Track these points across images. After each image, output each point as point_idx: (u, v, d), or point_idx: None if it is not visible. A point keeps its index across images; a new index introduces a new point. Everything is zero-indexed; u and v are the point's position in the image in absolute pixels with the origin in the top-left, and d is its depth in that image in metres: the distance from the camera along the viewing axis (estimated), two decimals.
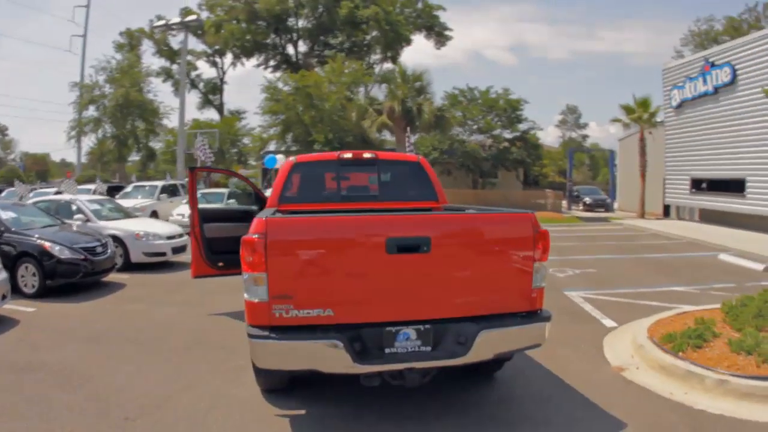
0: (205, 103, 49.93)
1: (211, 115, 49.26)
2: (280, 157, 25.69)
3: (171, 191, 21.40)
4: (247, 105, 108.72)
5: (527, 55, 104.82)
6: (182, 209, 18.26)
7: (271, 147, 32.57)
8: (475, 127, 35.58)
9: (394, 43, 39.22)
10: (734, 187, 18.57)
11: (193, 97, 46.72)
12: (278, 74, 40.03)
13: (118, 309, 8.25)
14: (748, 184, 18.08)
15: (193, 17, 29.04)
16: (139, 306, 8.41)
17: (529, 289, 4.26)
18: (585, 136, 79.85)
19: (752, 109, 17.59)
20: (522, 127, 36.75)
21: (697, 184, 21.86)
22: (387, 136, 32.95)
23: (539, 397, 5.00)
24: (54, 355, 5.99)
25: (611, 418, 4.52)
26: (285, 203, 6.14)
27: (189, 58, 42.30)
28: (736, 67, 18.26)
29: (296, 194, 6.30)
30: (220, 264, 8.03)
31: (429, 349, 4.01)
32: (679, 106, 22.40)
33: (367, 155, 6.64)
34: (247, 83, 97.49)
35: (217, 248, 8.02)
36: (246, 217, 8.45)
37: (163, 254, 11.78)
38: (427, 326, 4.01)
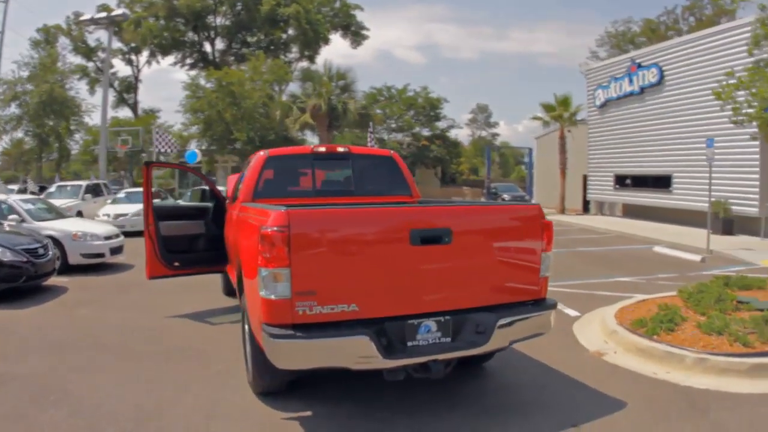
0: (120, 101, 48.65)
1: (126, 113, 48.28)
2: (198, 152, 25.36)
3: (95, 191, 20.88)
4: (158, 104, 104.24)
5: (437, 55, 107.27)
6: (108, 209, 17.93)
7: (192, 146, 31.90)
8: (394, 125, 36.45)
9: (312, 42, 39.36)
10: (661, 183, 19.90)
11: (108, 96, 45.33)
12: (194, 72, 40.48)
13: (69, 314, 7.75)
14: (674, 180, 19.47)
15: (119, 12, 27.73)
16: (90, 311, 7.93)
17: (537, 279, 4.44)
18: (495, 135, 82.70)
19: (679, 108, 18.96)
20: (441, 125, 38.05)
21: (621, 180, 23.21)
22: (308, 135, 33.03)
23: (534, 384, 5.19)
24: (18, 366, 5.53)
25: (609, 399, 4.77)
26: (259, 198, 6.02)
27: (106, 56, 40.96)
28: (664, 68, 19.59)
29: (271, 189, 6.20)
30: (176, 264, 7.84)
31: (449, 340, 4.08)
32: (603, 105, 23.73)
33: (340, 149, 6.71)
34: (159, 82, 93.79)
35: (173, 247, 7.81)
36: (200, 214, 8.34)
37: (102, 255, 11.21)
38: (447, 317, 4.07)
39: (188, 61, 45.33)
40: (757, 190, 15.54)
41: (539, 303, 4.47)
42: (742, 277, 7.78)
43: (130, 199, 18.88)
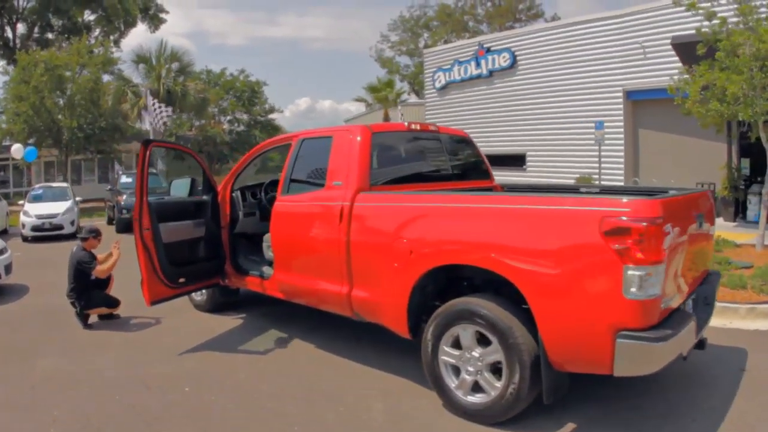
0: None
1: None
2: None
3: None
4: None
5: (206, 42, 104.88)
6: None
7: (7, 140, 27.07)
8: (215, 109, 35.83)
9: (123, 24, 36.11)
10: (514, 161, 22.54)
11: None
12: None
13: (34, 372, 5.85)
14: (528, 158, 22.25)
15: None
16: (56, 360, 6.21)
17: (712, 250, 5.41)
18: (270, 120, 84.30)
19: (532, 91, 21.72)
20: (259, 109, 38.58)
21: None
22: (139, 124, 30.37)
23: None
24: None
25: (728, 348, 5.99)
26: (377, 184, 5.52)
27: None
28: (516, 53, 22.19)
29: (385, 172, 5.77)
30: (182, 280, 6.86)
31: (695, 315, 4.63)
32: (444, 87, 25.90)
33: (431, 127, 6.62)
34: None
35: (174, 258, 6.74)
36: (199, 211, 7.35)
37: None
38: (693, 295, 4.69)
39: None
40: (622, 165, 18.70)
41: (714, 273, 5.48)
42: None
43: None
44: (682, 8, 11.29)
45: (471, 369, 4.48)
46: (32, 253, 14.26)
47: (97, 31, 37.10)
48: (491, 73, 23.19)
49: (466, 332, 4.47)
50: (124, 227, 17.26)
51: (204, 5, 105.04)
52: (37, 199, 17.98)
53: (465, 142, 7.09)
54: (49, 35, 37.30)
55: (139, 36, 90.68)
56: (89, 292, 7.62)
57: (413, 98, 36.01)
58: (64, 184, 20.70)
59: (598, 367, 3.91)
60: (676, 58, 15.05)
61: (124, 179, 20.61)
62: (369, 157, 5.53)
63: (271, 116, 41.50)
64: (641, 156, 18.85)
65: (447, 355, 4.61)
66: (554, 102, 20.91)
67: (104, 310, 7.74)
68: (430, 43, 45.24)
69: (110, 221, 20.25)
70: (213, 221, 7.32)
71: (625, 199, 3.82)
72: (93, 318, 7.65)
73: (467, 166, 6.92)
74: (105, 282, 7.87)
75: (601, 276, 3.75)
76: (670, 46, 15.49)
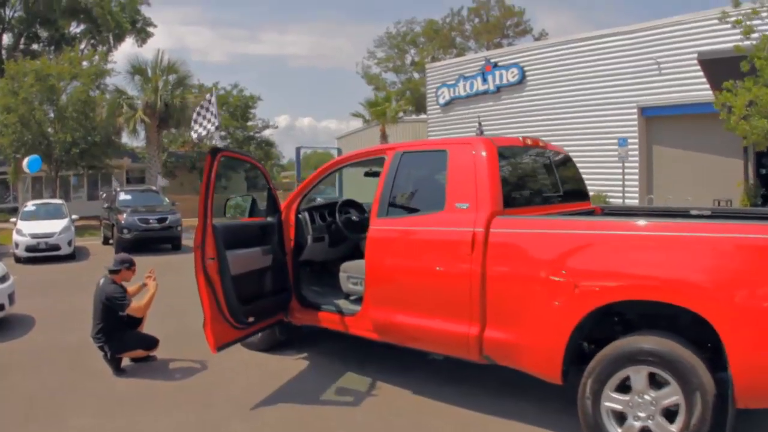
0: None
1: None
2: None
3: None
4: None
5: (187, 59, 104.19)
6: None
7: None
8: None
9: (115, 36, 35.07)
10: None
11: None
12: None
13: None
14: None
15: None
16: (99, 422, 5.02)
17: None
18: (250, 138, 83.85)
19: (542, 107, 21.47)
20: (251, 124, 38.08)
21: None
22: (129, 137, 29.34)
23: None
24: None
25: None
26: (512, 206, 4.88)
27: None
28: (525, 68, 21.85)
29: (516, 194, 5.20)
30: (251, 320, 5.89)
31: None
32: (449, 102, 25.48)
33: (540, 143, 6.03)
34: None
35: (241, 292, 5.72)
36: (265, 235, 6.37)
37: (2, 308, 8.22)
38: None
39: None
40: (636, 182, 18.42)
41: None
42: None
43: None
44: (702, 24, 11.12)
45: (642, 414, 3.99)
46: (29, 276, 12.99)
47: (83, 44, 35.95)
48: (499, 88, 22.89)
49: (639, 375, 3.99)
50: (125, 248, 16.30)
51: (185, 22, 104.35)
52: (30, 216, 16.68)
53: (568, 159, 6.51)
54: (35, 46, 36.22)
55: (125, 52, 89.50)
56: (121, 332, 6.44)
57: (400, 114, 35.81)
58: (59, 201, 19.52)
59: None
60: (693, 74, 14.92)
61: (122, 196, 19.59)
62: (499, 176, 4.87)
63: (264, 132, 40.68)
64: (655, 173, 18.64)
65: (612, 401, 4.08)
66: (565, 118, 20.63)
67: (140, 353, 6.60)
68: (418, 60, 44.94)
69: (106, 241, 19.29)
70: (280, 247, 6.43)
71: None
72: (125, 361, 6.51)
73: (572, 186, 6.33)
74: (137, 318, 6.71)
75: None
76: (685, 63, 15.37)
